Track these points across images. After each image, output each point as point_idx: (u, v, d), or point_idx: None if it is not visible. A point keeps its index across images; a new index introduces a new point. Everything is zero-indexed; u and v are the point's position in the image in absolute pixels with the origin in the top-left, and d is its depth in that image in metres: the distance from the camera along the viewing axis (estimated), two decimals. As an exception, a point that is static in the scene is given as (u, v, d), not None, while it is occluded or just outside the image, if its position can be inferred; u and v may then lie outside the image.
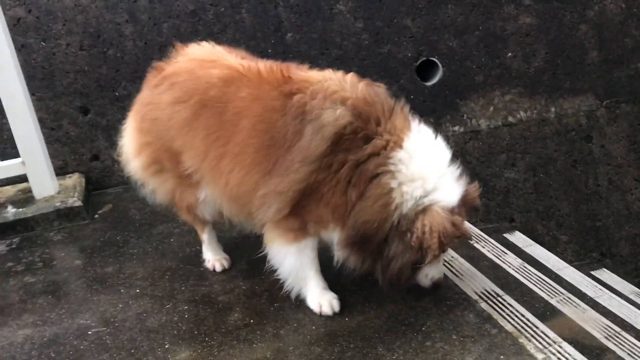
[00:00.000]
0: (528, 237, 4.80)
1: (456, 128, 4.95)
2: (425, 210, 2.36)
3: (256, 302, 2.91)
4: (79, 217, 4.00)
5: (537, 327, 2.51)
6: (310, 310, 2.76)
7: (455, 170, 2.48)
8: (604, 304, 3.81)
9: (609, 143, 5.10)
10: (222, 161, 2.61)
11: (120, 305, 3.01)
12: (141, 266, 3.38)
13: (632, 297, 4.51)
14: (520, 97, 4.98)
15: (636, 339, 3.18)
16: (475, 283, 2.85)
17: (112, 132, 4.58)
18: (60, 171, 4.45)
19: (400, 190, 2.36)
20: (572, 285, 3.97)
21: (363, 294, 2.85)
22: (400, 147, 2.39)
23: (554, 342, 2.40)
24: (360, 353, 2.46)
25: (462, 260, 3.11)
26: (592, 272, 4.79)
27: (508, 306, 2.66)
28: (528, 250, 4.49)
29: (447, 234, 2.35)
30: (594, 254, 5.17)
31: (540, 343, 2.40)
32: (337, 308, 2.73)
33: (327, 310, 2.72)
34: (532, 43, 4.95)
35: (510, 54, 4.94)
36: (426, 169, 2.40)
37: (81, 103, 4.52)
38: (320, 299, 2.74)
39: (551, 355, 2.32)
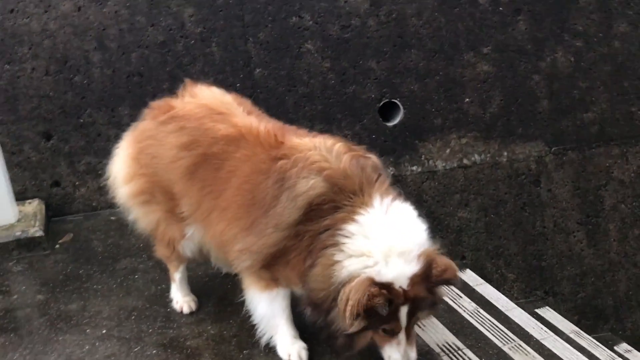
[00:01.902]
0: (478, 274, 5.01)
1: (414, 168, 5.14)
2: (351, 280, 2.33)
3: (225, 348, 2.97)
4: (40, 247, 3.95)
5: (496, 384, 2.67)
6: (280, 359, 2.84)
7: (415, 249, 2.35)
8: (549, 346, 4.02)
9: (556, 187, 5.39)
10: (212, 213, 2.73)
11: (87, 347, 3.01)
12: (106, 304, 3.37)
13: (572, 336, 4.78)
14: (475, 141, 5.21)
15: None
16: (437, 335, 2.99)
17: (74, 159, 4.56)
18: (20, 196, 4.38)
19: (342, 264, 2.37)
20: (520, 326, 4.18)
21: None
22: (353, 220, 2.40)
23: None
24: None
25: (423, 310, 3.24)
26: (537, 310, 5.04)
27: (468, 361, 2.81)
28: (478, 289, 4.69)
29: (359, 304, 2.26)
30: (538, 292, 5.44)
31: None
32: (305, 358, 2.81)
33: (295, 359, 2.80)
34: (488, 90, 5.20)
35: (467, 99, 5.17)
36: (372, 245, 2.36)
37: (44, 128, 4.47)
38: (290, 348, 2.82)
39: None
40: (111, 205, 3.31)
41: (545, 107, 5.33)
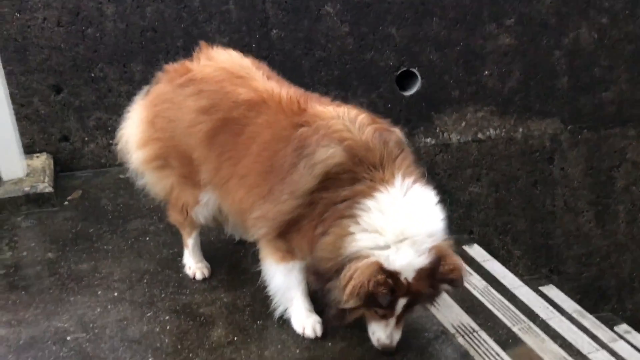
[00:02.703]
0: (485, 250, 5.01)
1: (428, 140, 5.06)
2: (359, 258, 2.28)
3: (239, 318, 2.95)
4: (49, 204, 3.90)
5: (511, 369, 2.67)
6: (294, 332, 2.82)
7: (428, 241, 2.29)
8: (554, 326, 4.04)
9: (569, 166, 5.34)
10: (231, 180, 2.68)
11: (99, 310, 2.98)
12: (117, 266, 3.33)
13: (574, 315, 4.81)
14: (491, 115, 5.13)
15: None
16: (452, 315, 2.98)
17: (84, 114, 4.47)
18: (27, 149, 4.31)
19: (354, 237, 2.31)
20: (526, 305, 4.19)
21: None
22: (372, 196, 2.33)
23: (527, 386, 2.56)
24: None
25: (439, 289, 3.22)
26: (541, 288, 5.07)
27: (484, 343, 2.80)
28: (486, 265, 4.69)
29: (361, 287, 2.21)
30: (544, 270, 5.45)
31: (514, 386, 2.56)
32: (319, 332, 2.78)
33: (309, 333, 2.78)
34: (508, 63, 5.08)
35: (487, 72, 5.06)
36: (386, 224, 2.28)
37: (54, 81, 4.35)
38: (305, 322, 2.81)
39: (525, 399, 2.48)
40: (121, 162, 3.23)
41: (565, 84, 5.24)
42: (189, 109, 2.79)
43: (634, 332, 5.27)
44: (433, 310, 3.01)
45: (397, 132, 2.58)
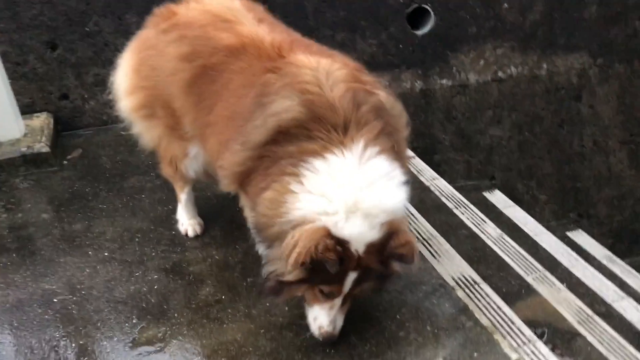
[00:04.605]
0: (508, 196, 4.75)
1: (444, 81, 4.77)
2: (304, 223, 2.05)
3: (229, 275, 2.84)
4: (47, 164, 3.82)
5: (513, 323, 2.48)
6: (284, 289, 2.69)
7: (382, 216, 2.06)
8: (577, 274, 3.81)
9: (598, 104, 4.98)
10: (207, 129, 2.54)
11: (88, 270, 2.91)
12: (110, 225, 3.25)
13: (604, 261, 4.55)
14: (512, 52, 4.79)
15: (606, 317, 3.20)
16: (452, 267, 2.80)
17: (82, 70, 4.34)
18: (28, 109, 4.22)
19: (297, 198, 2.08)
20: (548, 253, 3.97)
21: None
22: (323, 157, 2.09)
23: (529, 341, 2.37)
24: (333, 342, 2.41)
25: (441, 239, 3.04)
26: (568, 233, 4.81)
27: (485, 296, 2.62)
28: (507, 212, 4.45)
29: (308, 253, 1.98)
30: (572, 214, 5.18)
31: (515, 341, 2.38)
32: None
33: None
34: (529, -6, 4.71)
35: (505, 5, 4.70)
36: (335, 191, 2.06)
37: (49, 37, 4.23)
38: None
39: (525, 356, 2.30)
40: (122, 119, 3.12)
41: (593, 14, 4.83)
42: (170, 56, 2.63)
43: (669, 277, 4.99)
44: (432, 261, 2.84)
45: (381, 96, 2.30)
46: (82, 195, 3.55)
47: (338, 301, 2.21)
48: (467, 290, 2.64)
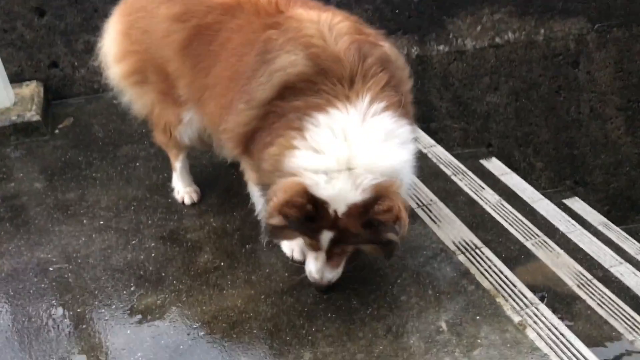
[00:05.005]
0: (504, 163, 4.73)
1: (441, 47, 4.70)
2: (289, 175, 2.04)
3: (227, 242, 2.80)
4: (38, 132, 3.75)
5: (514, 286, 2.47)
6: (283, 255, 2.66)
7: (370, 177, 1.99)
8: (575, 240, 3.82)
9: (596, 69, 4.93)
10: (205, 93, 2.46)
11: (83, 239, 2.87)
12: (105, 194, 3.20)
13: (600, 228, 4.56)
14: (509, 17, 4.71)
15: (604, 282, 3.21)
16: (453, 232, 2.77)
17: (71, 37, 4.23)
18: (17, 78, 4.12)
19: (294, 154, 2.05)
20: (545, 219, 3.96)
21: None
22: (326, 111, 2.05)
23: (531, 304, 2.36)
24: (334, 306, 2.41)
25: (441, 204, 3.01)
26: (564, 201, 4.80)
27: (486, 260, 2.60)
28: (504, 179, 4.43)
29: (277, 206, 1.99)
30: (568, 181, 5.16)
31: (517, 304, 2.37)
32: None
33: (298, 256, 2.62)
34: (527, -43, 4.62)
35: (503, -32, 4.61)
36: (332, 146, 2.01)
37: (36, 3, 4.10)
38: (292, 244, 2.63)
39: (527, 318, 2.29)
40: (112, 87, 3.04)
41: (592, -23, 4.75)
42: (162, 17, 2.55)
43: (664, 243, 5.01)
44: (432, 227, 2.82)
45: (386, 48, 2.25)
46: (75, 164, 3.48)
47: (321, 255, 2.20)
48: (468, 255, 2.62)
